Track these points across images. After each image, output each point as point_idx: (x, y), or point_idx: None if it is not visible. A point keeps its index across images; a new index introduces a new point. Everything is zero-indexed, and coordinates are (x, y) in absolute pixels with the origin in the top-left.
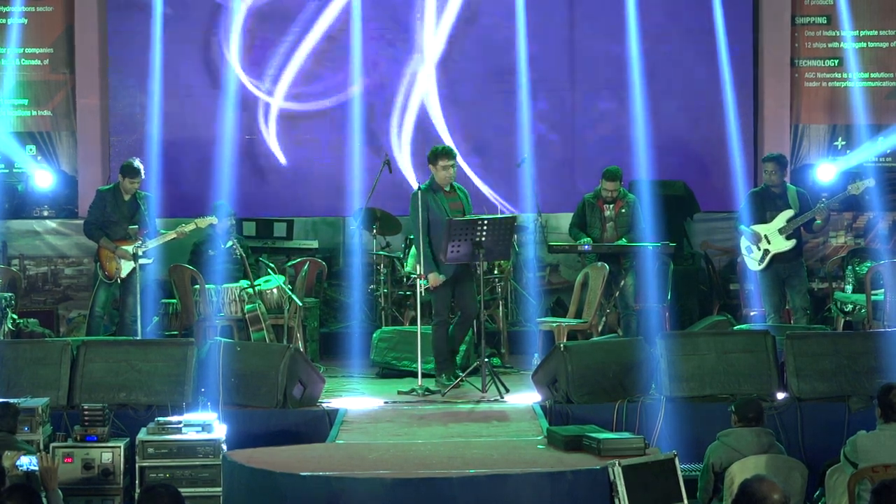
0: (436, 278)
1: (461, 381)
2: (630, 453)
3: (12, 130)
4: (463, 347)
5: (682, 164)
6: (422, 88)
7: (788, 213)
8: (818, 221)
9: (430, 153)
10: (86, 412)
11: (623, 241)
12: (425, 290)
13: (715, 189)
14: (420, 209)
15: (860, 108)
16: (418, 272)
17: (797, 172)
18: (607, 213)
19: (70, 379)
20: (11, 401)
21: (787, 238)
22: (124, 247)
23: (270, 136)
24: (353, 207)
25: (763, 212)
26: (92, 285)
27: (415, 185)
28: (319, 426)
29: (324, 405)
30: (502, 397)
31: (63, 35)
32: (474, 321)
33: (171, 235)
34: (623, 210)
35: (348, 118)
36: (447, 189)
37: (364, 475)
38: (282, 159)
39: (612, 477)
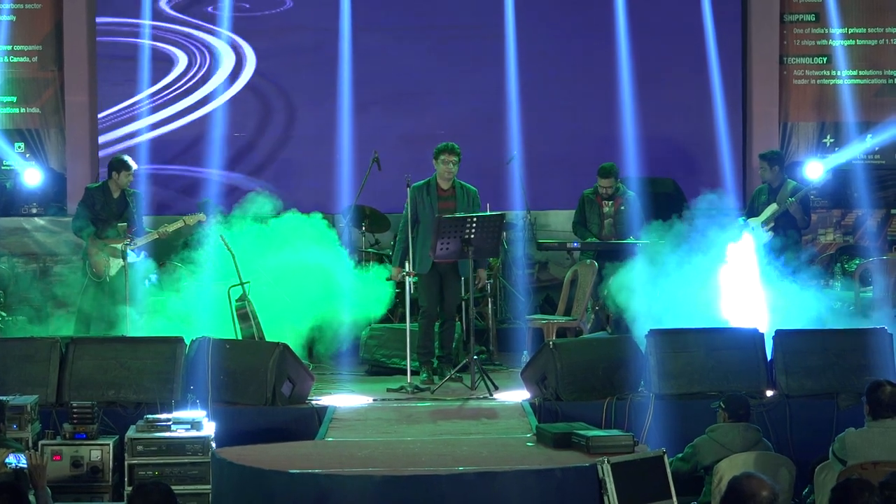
0: (398, 273)
1: (450, 378)
2: (619, 451)
3: (0, 128)
4: (453, 344)
5: (671, 161)
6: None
7: (772, 207)
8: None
9: (435, 149)
10: (75, 410)
11: (631, 240)
12: (414, 286)
13: (704, 187)
14: (408, 205)
15: (849, 106)
16: (407, 269)
17: (786, 170)
18: (606, 209)
19: (59, 376)
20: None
21: (768, 231)
22: (113, 244)
23: None
24: (342, 204)
25: (757, 206)
26: (80, 283)
27: None
28: (308, 424)
29: (313, 403)
30: (491, 395)
31: (52, 32)
32: (456, 319)
33: (159, 233)
34: (623, 207)
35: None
36: (445, 188)
37: (353, 473)
38: None
39: (601, 474)
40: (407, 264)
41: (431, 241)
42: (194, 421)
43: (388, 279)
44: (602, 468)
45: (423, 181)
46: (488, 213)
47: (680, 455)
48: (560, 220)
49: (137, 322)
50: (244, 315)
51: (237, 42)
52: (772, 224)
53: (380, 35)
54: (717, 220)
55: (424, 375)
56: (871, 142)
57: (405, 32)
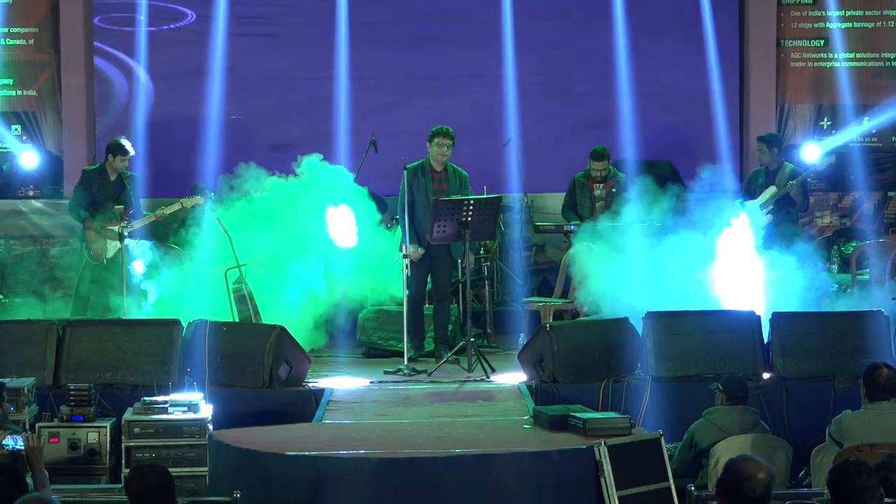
0: (415, 251)
1: (446, 360)
2: (616, 433)
3: None
4: (450, 327)
5: (668, 144)
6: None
7: (771, 190)
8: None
9: (430, 132)
10: (72, 392)
11: (626, 222)
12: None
13: (701, 169)
14: (403, 186)
15: (846, 88)
16: (403, 252)
17: (783, 152)
18: (597, 192)
19: (56, 359)
20: None
21: (767, 213)
22: (110, 227)
23: None
24: None
25: (755, 189)
26: (77, 265)
27: None
28: (305, 406)
29: (310, 385)
30: (488, 377)
31: (48, 14)
32: (450, 301)
33: (156, 216)
34: (613, 189)
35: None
36: (438, 170)
37: (350, 455)
38: None
39: (598, 456)
40: (404, 247)
41: (428, 223)
42: (191, 403)
43: (411, 260)
44: (599, 450)
45: (416, 163)
46: (485, 195)
47: (679, 445)
48: (557, 203)
49: (134, 305)
50: (241, 297)
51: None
52: (770, 207)
53: (375, 20)
54: (714, 202)
55: (412, 353)
56: (868, 124)
57: (401, 18)
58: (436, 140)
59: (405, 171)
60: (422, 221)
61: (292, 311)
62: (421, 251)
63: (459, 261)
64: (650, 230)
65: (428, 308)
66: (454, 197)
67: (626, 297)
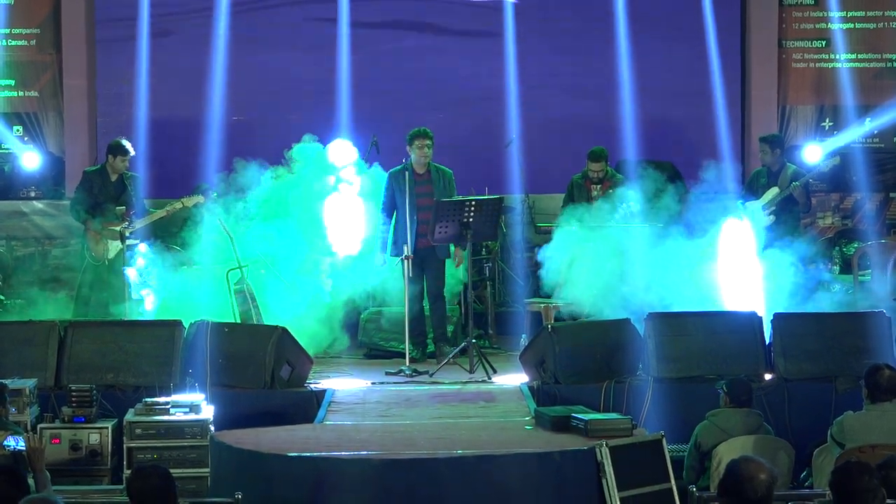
0: (381, 260)
1: (448, 361)
2: (617, 434)
3: None
4: (451, 328)
5: (670, 145)
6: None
7: (774, 191)
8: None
9: (408, 135)
10: (73, 393)
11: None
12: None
13: (703, 170)
14: (384, 191)
15: (848, 89)
16: (405, 253)
17: (784, 153)
18: (594, 193)
19: (57, 360)
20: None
21: (769, 214)
22: (112, 227)
23: None
24: None
25: (757, 189)
26: (79, 266)
27: None
28: (307, 407)
29: (311, 386)
30: (490, 378)
31: (50, 15)
32: (444, 300)
33: (158, 215)
34: (611, 191)
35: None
36: (421, 172)
37: (351, 456)
38: None
39: (599, 457)
40: (405, 248)
41: (417, 226)
42: (193, 404)
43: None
44: (601, 451)
45: (398, 167)
46: (487, 196)
47: (686, 452)
48: (559, 204)
49: (135, 306)
50: (243, 298)
51: None
52: (773, 207)
53: (375, 15)
54: (715, 202)
55: (415, 353)
56: (870, 125)
57: (402, 14)
58: (416, 142)
59: (387, 177)
60: (407, 226)
61: (294, 313)
62: (384, 261)
63: (455, 263)
64: (652, 230)
65: (428, 309)
66: (456, 197)
67: (616, 295)
